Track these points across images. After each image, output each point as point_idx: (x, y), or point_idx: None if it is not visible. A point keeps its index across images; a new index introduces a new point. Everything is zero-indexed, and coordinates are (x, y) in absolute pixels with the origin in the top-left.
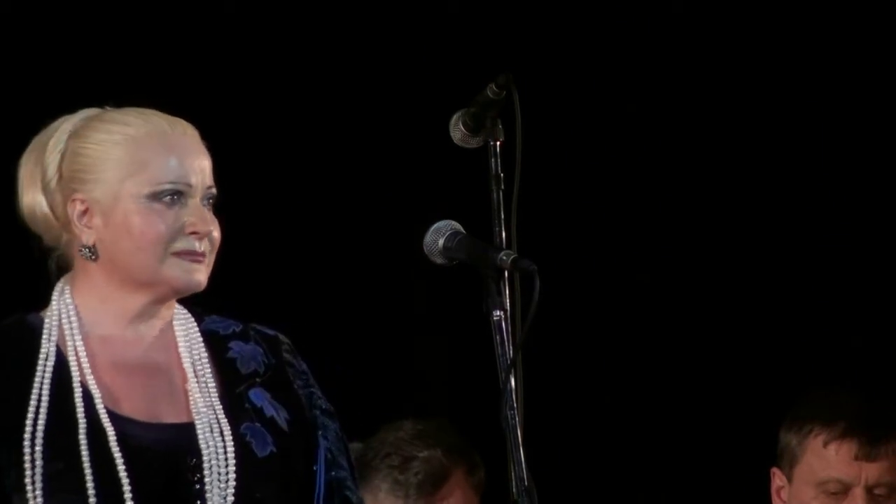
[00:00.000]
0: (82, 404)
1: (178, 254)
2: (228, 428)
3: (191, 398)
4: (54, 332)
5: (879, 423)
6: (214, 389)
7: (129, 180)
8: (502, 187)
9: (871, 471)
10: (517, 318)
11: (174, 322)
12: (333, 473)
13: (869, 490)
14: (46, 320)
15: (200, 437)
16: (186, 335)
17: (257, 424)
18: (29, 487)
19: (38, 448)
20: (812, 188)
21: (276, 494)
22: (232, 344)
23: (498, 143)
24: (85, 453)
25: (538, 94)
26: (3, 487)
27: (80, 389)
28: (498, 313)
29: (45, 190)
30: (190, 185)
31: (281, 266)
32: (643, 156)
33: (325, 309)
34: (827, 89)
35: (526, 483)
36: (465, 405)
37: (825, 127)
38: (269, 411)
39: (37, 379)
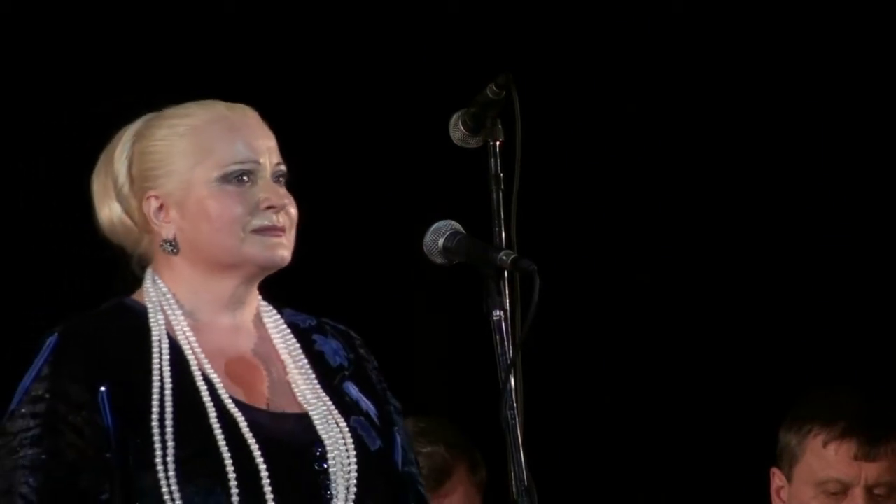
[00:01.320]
0: (206, 390)
1: (258, 230)
2: (343, 420)
3: (296, 390)
4: (160, 318)
5: (879, 423)
6: (316, 381)
7: (199, 167)
8: (502, 187)
9: (871, 471)
10: (517, 318)
11: (262, 313)
12: (407, 469)
13: (868, 490)
14: (149, 304)
15: (320, 427)
16: (276, 326)
17: (362, 418)
18: (160, 468)
19: (168, 430)
20: (812, 188)
21: (385, 489)
22: (315, 337)
23: (498, 143)
24: (221, 439)
25: (538, 94)
26: (127, 466)
27: (200, 374)
28: (498, 313)
29: (119, 197)
30: (258, 164)
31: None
32: (643, 156)
33: (325, 309)
34: (827, 89)
35: (526, 483)
36: (465, 405)
37: (825, 127)
38: (364, 406)
39: (155, 362)
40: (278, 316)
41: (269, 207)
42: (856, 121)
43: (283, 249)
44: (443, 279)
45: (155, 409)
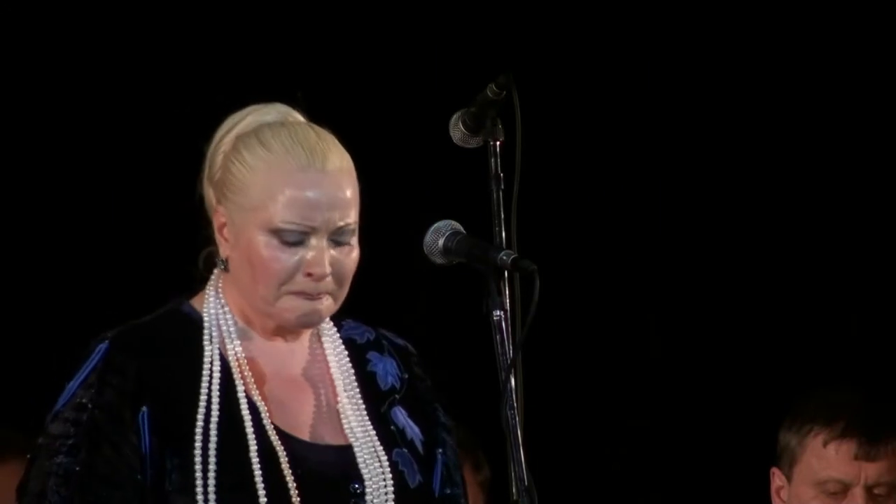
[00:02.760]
0: (251, 419)
1: (294, 292)
2: (385, 455)
3: (343, 419)
4: (215, 334)
5: (879, 422)
6: (365, 410)
7: (257, 212)
8: (502, 187)
9: (871, 470)
10: (517, 318)
11: (322, 334)
12: (448, 491)
13: (868, 490)
14: (205, 317)
15: (361, 462)
16: (334, 349)
17: (405, 450)
18: (200, 495)
19: (211, 458)
20: (812, 188)
21: None
22: (370, 355)
23: (498, 143)
24: (258, 474)
25: (538, 94)
26: (162, 488)
27: (246, 401)
28: (498, 313)
29: (210, 181)
30: (313, 227)
31: None
32: (643, 156)
33: None
34: (827, 89)
35: (526, 483)
36: (465, 405)
37: (825, 127)
38: (410, 433)
39: (203, 385)
40: (337, 335)
41: (307, 275)
42: (856, 121)
43: (318, 313)
44: (443, 279)
45: (198, 435)
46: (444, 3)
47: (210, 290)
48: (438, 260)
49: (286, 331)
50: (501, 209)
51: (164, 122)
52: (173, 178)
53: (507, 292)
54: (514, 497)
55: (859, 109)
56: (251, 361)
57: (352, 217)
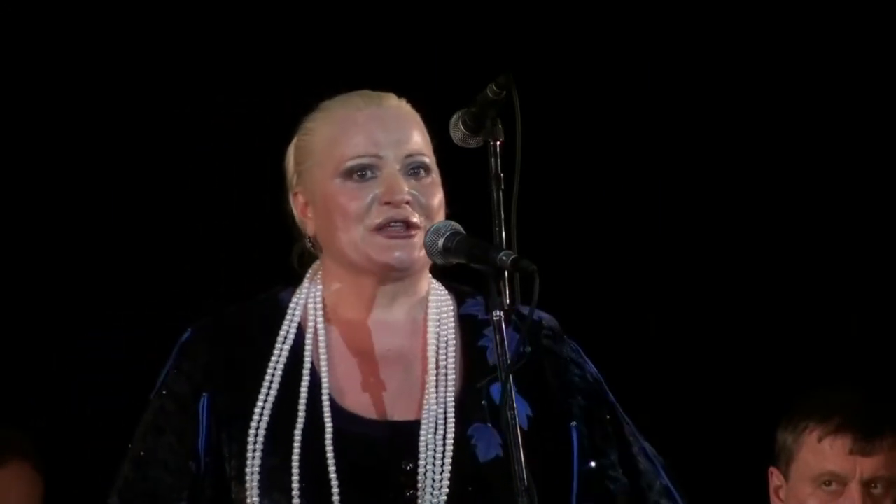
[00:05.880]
0: (306, 395)
1: (379, 229)
2: (452, 429)
3: (426, 394)
4: (298, 312)
5: (874, 418)
6: (453, 384)
7: (326, 162)
8: (502, 187)
9: (866, 465)
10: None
11: (429, 303)
12: (592, 464)
13: (865, 485)
14: (294, 298)
15: (422, 438)
16: (438, 319)
17: (488, 425)
18: (248, 478)
19: (260, 440)
20: (811, 188)
21: (502, 498)
22: (487, 331)
23: (498, 143)
24: (296, 454)
25: (538, 94)
26: (224, 476)
27: (309, 377)
28: (498, 314)
29: (290, 190)
30: (379, 157)
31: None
32: (643, 156)
33: None
34: (827, 89)
35: (526, 483)
36: None
37: (825, 127)
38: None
39: (271, 363)
40: (449, 307)
41: (385, 203)
42: (856, 121)
43: (404, 251)
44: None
45: (255, 417)
46: (444, 3)
47: (307, 276)
48: (438, 260)
49: (385, 301)
50: (501, 209)
51: (164, 121)
52: (172, 178)
53: (507, 292)
54: (514, 497)
55: (859, 109)
56: (335, 337)
57: (422, 149)
